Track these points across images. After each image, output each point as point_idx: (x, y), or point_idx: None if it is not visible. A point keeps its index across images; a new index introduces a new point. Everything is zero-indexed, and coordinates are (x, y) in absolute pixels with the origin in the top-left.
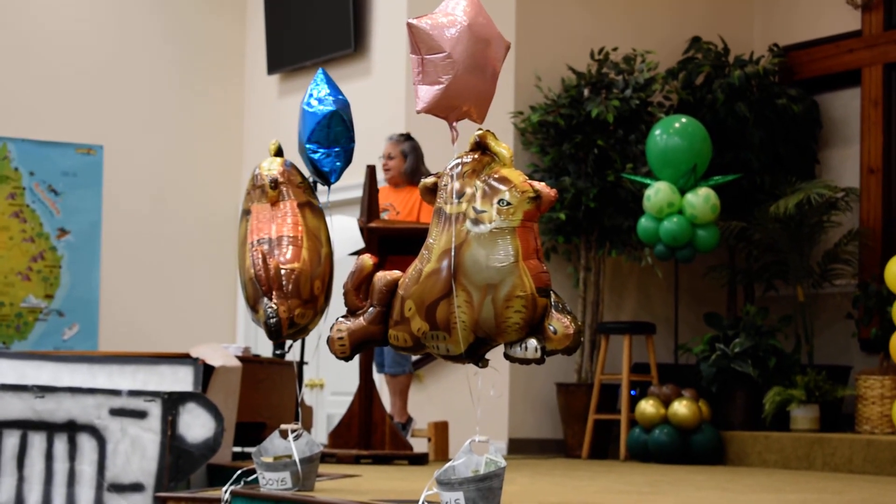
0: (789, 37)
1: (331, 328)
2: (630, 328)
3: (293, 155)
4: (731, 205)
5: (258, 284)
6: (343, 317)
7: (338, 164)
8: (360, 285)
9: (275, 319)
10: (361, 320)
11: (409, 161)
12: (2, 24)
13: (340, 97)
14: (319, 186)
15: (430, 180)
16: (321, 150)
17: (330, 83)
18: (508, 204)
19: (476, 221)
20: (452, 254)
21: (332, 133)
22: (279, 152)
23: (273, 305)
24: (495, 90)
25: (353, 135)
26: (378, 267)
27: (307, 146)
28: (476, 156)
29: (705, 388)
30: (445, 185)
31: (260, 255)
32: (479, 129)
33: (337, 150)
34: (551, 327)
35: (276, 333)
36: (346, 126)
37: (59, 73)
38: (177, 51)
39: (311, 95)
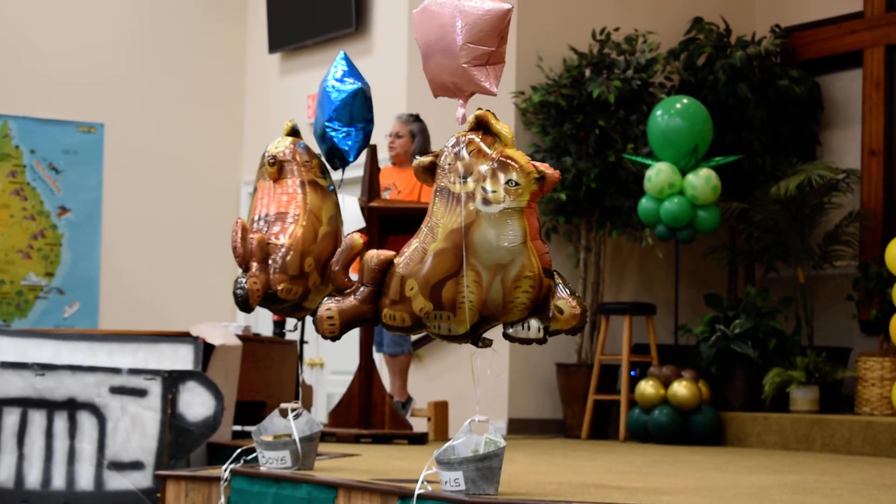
0: (791, 18)
1: (318, 307)
2: (630, 309)
3: (304, 135)
4: (731, 186)
5: (234, 256)
6: (331, 296)
7: (357, 142)
8: (349, 264)
9: (241, 291)
10: (352, 299)
11: (417, 142)
12: (3, 2)
13: (362, 79)
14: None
15: (426, 160)
16: (342, 129)
17: (350, 65)
18: (517, 184)
19: (486, 201)
20: (464, 233)
21: (355, 111)
22: (292, 132)
23: (243, 278)
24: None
25: (373, 116)
26: (378, 246)
27: (327, 125)
28: (479, 135)
29: (705, 368)
30: (449, 165)
31: (239, 228)
32: (479, 108)
33: (356, 128)
34: (558, 308)
35: (243, 304)
36: (368, 105)
37: (60, 51)
38: (179, 29)
39: (332, 76)
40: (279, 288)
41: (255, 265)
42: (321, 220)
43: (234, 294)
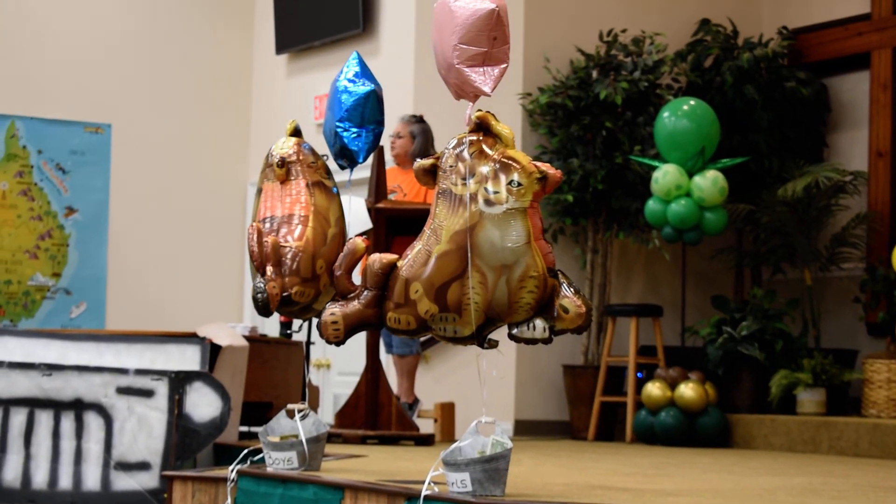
0: (798, 19)
1: (321, 312)
2: (637, 310)
3: (308, 134)
4: (738, 187)
5: (251, 260)
6: (334, 301)
7: (367, 143)
8: (352, 269)
9: (262, 295)
10: (356, 304)
11: (418, 143)
12: (9, 3)
13: (375, 80)
14: (337, 164)
15: (427, 162)
16: (352, 129)
17: (363, 66)
18: (519, 185)
19: (489, 202)
20: (468, 235)
21: (366, 112)
22: (296, 132)
23: (262, 281)
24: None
25: (384, 118)
26: (385, 247)
27: (338, 125)
28: (480, 137)
29: (712, 370)
30: (451, 167)
31: (255, 232)
32: (479, 110)
33: (367, 130)
34: (563, 307)
35: (264, 309)
36: (380, 108)
37: (67, 51)
38: (186, 29)
39: (344, 77)
40: (293, 291)
41: (270, 269)
42: (329, 222)
43: (255, 299)
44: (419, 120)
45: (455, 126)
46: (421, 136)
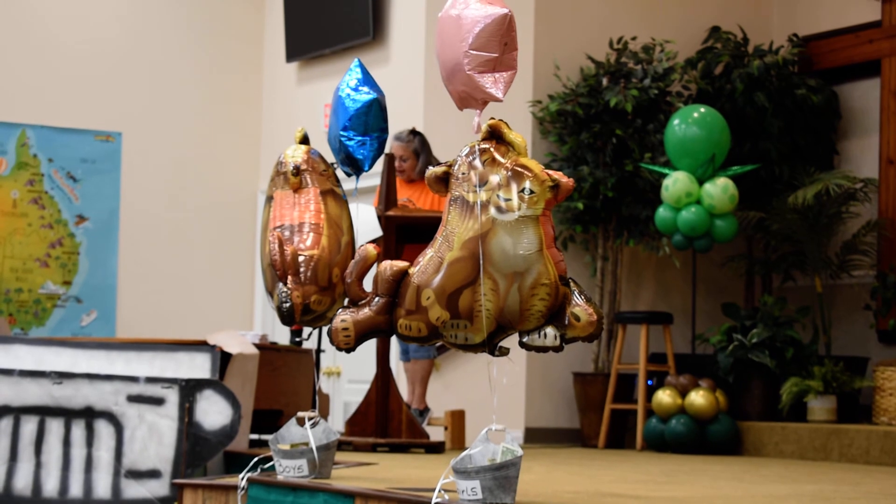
0: (809, 27)
1: (332, 319)
2: (647, 318)
3: (318, 142)
4: (749, 195)
5: (274, 269)
6: (345, 307)
7: (372, 151)
8: (363, 275)
9: (287, 304)
10: (367, 310)
11: (423, 158)
12: (21, 11)
13: (377, 87)
14: (343, 171)
15: (439, 170)
16: (356, 138)
17: (365, 73)
18: (532, 192)
19: (501, 210)
20: (480, 242)
21: (370, 121)
22: (305, 139)
23: (286, 290)
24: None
25: (388, 125)
26: (395, 255)
27: (342, 133)
28: (492, 145)
29: (722, 378)
30: (463, 174)
31: (277, 241)
32: (492, 118)
33: (371, 137)
34: (574, 315)
35: (289, 318)
36: (383, 115)
37: (78, 60)
38: (196, 38)
39: (347, 84)
40: (311, 300)
41: (290, 278)
42: (342, 229)
43: (280, 308)
44: (414, 133)
45: (465, 133)
46: (422, 149)
